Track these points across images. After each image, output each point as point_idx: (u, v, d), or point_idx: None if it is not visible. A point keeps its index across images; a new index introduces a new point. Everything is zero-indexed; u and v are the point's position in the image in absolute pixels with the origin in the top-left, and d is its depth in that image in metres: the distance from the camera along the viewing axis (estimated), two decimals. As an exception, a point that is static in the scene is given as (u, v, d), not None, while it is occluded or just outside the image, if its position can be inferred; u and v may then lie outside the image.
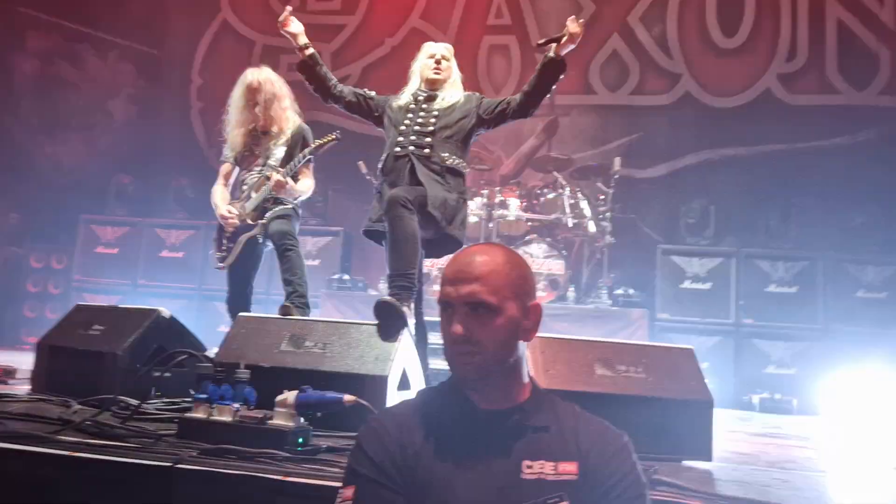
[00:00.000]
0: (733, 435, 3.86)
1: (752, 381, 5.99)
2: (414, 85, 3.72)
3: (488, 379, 1.41)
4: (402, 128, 3.57)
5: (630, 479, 1.37)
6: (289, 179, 3.84)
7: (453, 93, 3.67)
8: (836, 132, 7.14)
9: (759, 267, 6.24)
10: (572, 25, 3.38)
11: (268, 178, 3.84)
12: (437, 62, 3.66)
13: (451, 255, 1.62)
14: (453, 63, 3.75)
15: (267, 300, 6.66)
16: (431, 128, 3.54)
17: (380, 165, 3.65)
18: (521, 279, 1.45)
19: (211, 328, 6.62)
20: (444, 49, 3.76)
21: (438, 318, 1.48)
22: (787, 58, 7.47)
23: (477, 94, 3.72)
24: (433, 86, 3.67)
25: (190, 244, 7.34)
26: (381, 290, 6.37)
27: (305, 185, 4.00)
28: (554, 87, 3.55)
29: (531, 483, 1.35)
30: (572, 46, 3.42)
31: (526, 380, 1.48)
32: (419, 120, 3.57)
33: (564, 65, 3.45)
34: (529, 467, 1.36)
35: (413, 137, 3.53)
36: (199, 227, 7.26)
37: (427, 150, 3.50)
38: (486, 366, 1.39)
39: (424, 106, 3.61)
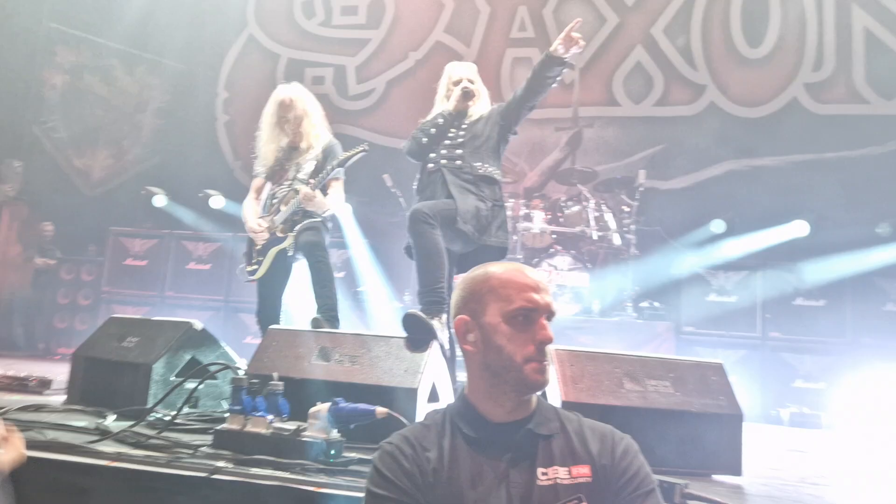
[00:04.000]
0: (762, 449, 3.83)
1: (779, 395, 5.93)
2: (441, 108, 3.74)
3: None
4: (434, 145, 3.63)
5: (641, 476, 1.42)
6: (317, 192, 3.87)
7: (481, 107, 3.73)
8: (865, 142, 7.08)
9: (786, 279, 6.18)
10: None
11: (297, 192, 3.88)
12: (465, 89, 3.64)
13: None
14: (479, 80, 3.79)
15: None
16: (461, 139, 3.60)
17: (414, 185, 3.70)
18: None
19: (237, 340, 6.70)
20: (468, 72, 3.77)
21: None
22: (814, 67, 7.42)
23: (498, 104, 3.76)
24: (463, 109, 3.70)
25: (216, 256, 7.44)
26: (406, 302, 6.40)
27: (335, 199, 3.99)
28: (549, 80, 3.46)
29: (547, 489, 1.39)
30: (576, 50, 3.37)
31: None
32: (449, 135, 3.63)
33: (556, 60, 3.38)
34: (544, 474, 1.40)
35: (444, 151, 3.59)
36: (226, 240, 7.37)
37: (459, 162, 3.55)
38: (548, 375, 1.46)
39: (455, 122, 3.66)
